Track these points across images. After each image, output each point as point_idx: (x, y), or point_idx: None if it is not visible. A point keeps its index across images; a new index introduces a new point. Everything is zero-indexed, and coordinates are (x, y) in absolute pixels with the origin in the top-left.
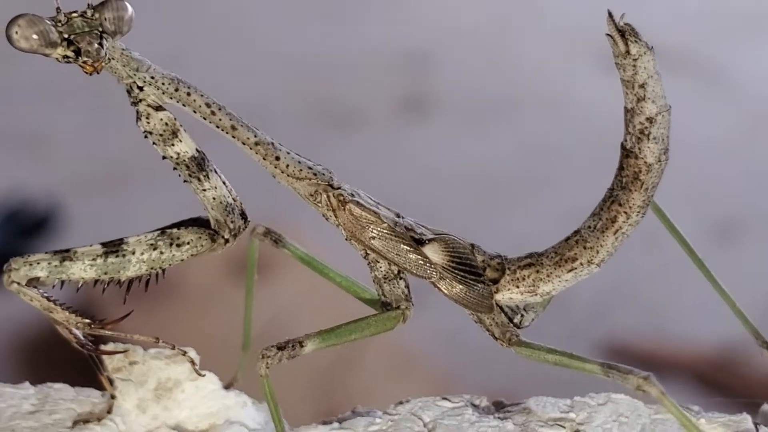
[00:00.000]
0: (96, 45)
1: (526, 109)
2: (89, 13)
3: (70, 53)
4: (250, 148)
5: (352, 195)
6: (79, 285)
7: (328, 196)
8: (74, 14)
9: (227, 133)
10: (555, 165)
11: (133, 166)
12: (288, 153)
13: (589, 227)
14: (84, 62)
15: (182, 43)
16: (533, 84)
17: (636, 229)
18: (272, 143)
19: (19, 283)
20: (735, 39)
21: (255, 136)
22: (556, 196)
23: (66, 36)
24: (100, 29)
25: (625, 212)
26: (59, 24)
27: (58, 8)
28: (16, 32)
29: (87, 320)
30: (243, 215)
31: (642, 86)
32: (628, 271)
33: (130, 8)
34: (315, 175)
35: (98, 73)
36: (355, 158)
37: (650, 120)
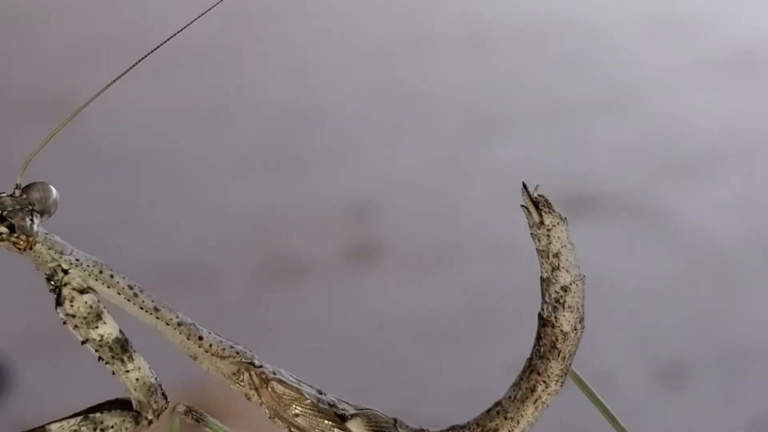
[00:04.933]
0: (29, 220)
1: (471, 256)
2: (17, 193)
3: (3, 229)
4: (174, 329)
5: (274, 373)
6: None
7: (250, 375)
8: (3, 194)
9: (150, 314)
10: (502, 314)
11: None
12: (209, 333)
13: (510, 397)
14: (17, 237)
15: (123, 198)
16: (478, 231)
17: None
18: (194, 323)
19: None
20: (672, 183)
21: (177, 317)
22: (503, 346)
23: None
24: (30, 207)
25: (544, 381)
26: None
27: None
28: None
29: None
30: (164, 395)
31: (556, 255)
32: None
33: (54, 191)
34: (237, 353)
35: (31, 249)
36: (302, 309)
37: (565, 289)
